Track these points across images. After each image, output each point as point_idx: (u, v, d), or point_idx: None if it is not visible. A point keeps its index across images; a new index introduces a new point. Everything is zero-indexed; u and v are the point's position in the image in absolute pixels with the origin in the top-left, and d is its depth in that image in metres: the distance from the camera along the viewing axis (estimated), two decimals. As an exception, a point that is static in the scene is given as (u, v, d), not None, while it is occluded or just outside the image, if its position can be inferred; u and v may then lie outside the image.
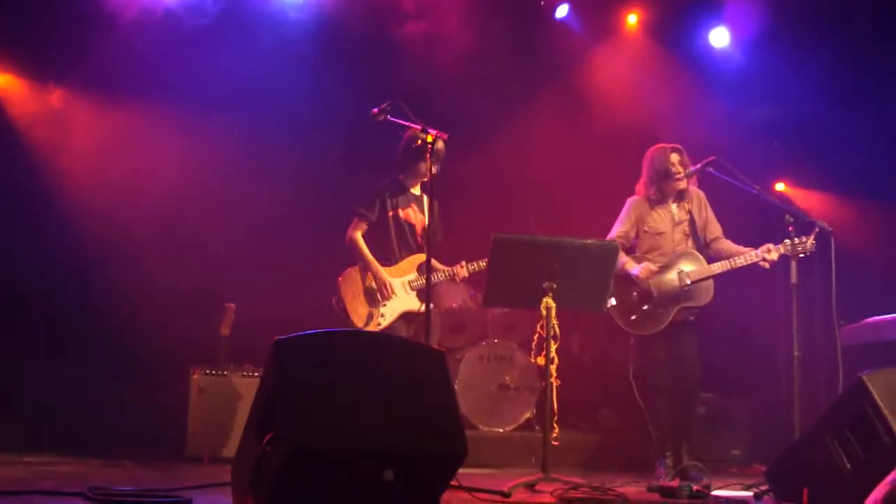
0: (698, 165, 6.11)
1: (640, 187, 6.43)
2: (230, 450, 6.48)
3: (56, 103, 7.41)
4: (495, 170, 7.93)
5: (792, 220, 5.54)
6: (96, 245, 7.02)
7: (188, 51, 7.30)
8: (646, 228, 6.29)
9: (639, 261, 6.22)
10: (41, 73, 7.37)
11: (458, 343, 7.63)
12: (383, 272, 6.17)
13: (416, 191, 6.37)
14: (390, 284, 6.16)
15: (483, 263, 6.11)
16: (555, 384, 5.25)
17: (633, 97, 8.46)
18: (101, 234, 6.98)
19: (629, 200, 6.45)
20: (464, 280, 7.02)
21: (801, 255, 5.71)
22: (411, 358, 3.87)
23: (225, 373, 6.67)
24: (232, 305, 6.75)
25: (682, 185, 6.25)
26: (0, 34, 7.04)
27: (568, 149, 8.05)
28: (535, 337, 5.38)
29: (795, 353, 5.29)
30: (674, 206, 6.33)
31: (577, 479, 5.17)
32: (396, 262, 6.24)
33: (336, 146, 7.63)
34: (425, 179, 6.07)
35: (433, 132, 5.21)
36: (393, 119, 5.42)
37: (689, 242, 6.25)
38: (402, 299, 6.21)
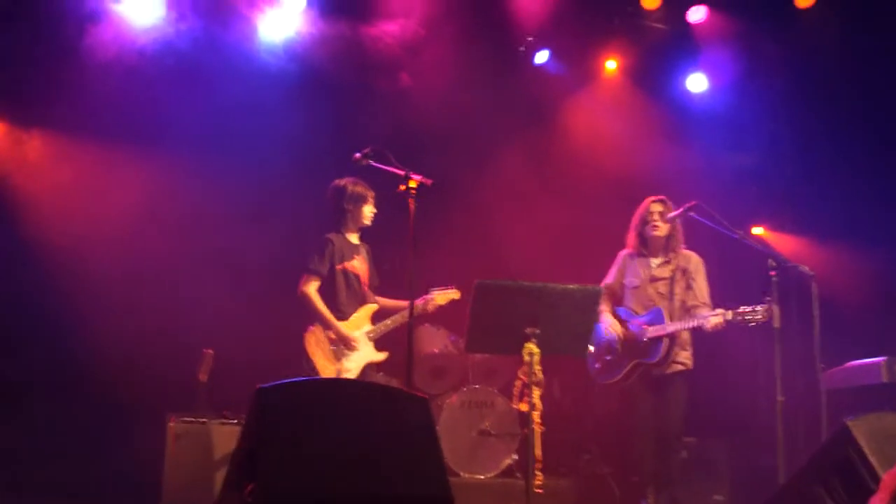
0: (680, 210, 6.18)
1: (627, 239, 6.51)
2: (207, 498, 6.39)
3: (32, 147, 7.36)
4: (475, 218, 7.93)
5: (774, 264, 5.57)
6: (70, 291, 6.95)
7: (163, 92, 7.31)
8: (624, 281, 6.41)
9: (616, 314, 6.34)
10: (14, 115, 7.34)
11: (438, 389, 7.57)
12: (341, 327, 6.16)
13: (355, 240, 6.42)
14: (353, 337, 6.18)
15: (451, 292, 6.35)
16: (538, 430, 5.20)
17: (614, 143, 8.52)
18: (75, 279, 6.92)
19: (620, 253, 6.56)
20: (445, 327, 7.06)
21: (751, 325, 5.73)
22: (395, 405, 3.84)
23: (203, 420, 6.56)
24: (210, 351, 6.66)
25: (657, 232, 6.30)
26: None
27: (548, 197, 8.07)
28: (518, 383, 5.32)
29: (779, 398, 5.27)
30: (654, 261, 6.38)
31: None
32: (348, 316, 6.26)
33: (314, 190, 7.58)
34: (364, 225, 6.33)
35: (416, 178, 5.21)
36: (375, 164, 5.42)
37: (664, 302, 6.26)
38: (363, 352, 6.25)
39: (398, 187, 5.29)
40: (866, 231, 7.72)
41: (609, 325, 6.33)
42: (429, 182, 5.29)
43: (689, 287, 6.29)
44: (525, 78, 8.79)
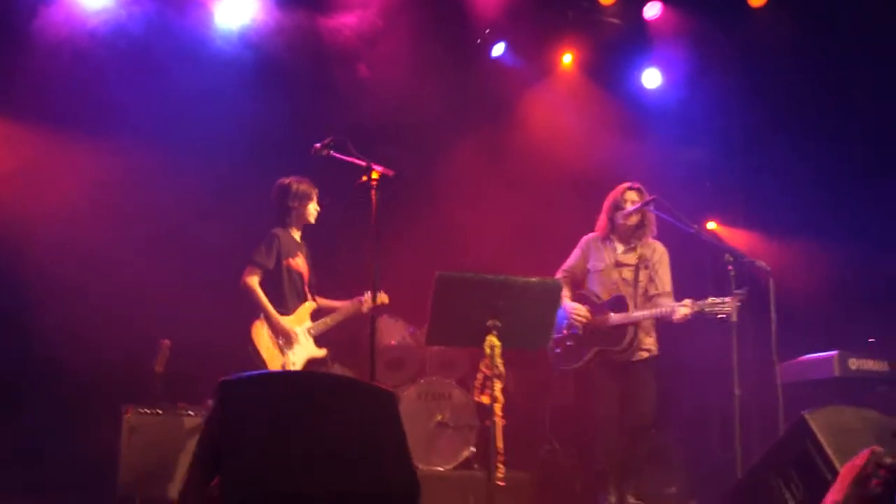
0: (638, 204, 6.22)
1: (597, 223, 6.54)
2: (163, 491, 6.33)
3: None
4: (432, 210, 7.92)
5: (731, 259, 5.62)
6: (20, 280, 6.81)
7: (115, 76, 7.19)
8: (588, 266, 6.41)
9: (579, 298, 6.29)
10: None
11: (395, 380, 7.54)
12: (283, 321, 6.20)
13: (298, 237, 6.48)
14: (294, 332, 6.23)
15: (381, 295, 6.27)
16: (499, 423, 5.21)
17: (569, 137, 8.55)
18: (25, 268, 6.79)
19: (584, 237, 6.56)
20: (403, 318, 7.05)
21: (718, 317, 5.80)
22: (361, 398, 3.81)
23: (159, 412, 6.49)
24: (167, 342, 6.58)
25: (628, 220, 6.34)
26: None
27: (505, 189, 8.09)
28: (479, 375, 5.32)
29: (736, 392, 5.33)
30: (619, 247, 6.41)
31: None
32: (291, 311, 6.31)
33: (270, 179, 7.49)
34: (308, 222, 6.41)
35: (378, 169, 5.17)
36: (337, 155, 5.38)
37: (628, 289, 6.31)
38: (304, 347, 6.32)
39: (360, 178, 5.23)
40: (818, 226, 7.81)
41: (574, 309, 6.31)
42: (391, 173, 5.25)
43: (652, 276, 6.33)
44: (482, 71, 8.78)
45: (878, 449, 2.31)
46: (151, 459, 6.36)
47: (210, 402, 6.74)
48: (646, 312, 6.14)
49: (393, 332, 7.57)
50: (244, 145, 7.52)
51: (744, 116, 8.88)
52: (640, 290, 6.30)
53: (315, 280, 6.55)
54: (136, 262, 7.04)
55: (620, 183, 6.65)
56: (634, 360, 6.21)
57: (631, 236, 6.46)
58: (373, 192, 5.24)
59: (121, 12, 7.36)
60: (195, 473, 3.75)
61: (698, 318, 5.90)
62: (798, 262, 7.70)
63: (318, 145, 5.44)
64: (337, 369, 6.89)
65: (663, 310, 6.05)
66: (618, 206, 6.44)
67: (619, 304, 6.22)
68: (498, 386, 5.23)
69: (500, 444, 5.21)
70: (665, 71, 9.10)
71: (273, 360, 6.11)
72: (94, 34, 7.28)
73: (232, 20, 7.80)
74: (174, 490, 6.38)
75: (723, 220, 8.97)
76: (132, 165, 7.05)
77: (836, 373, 6.34)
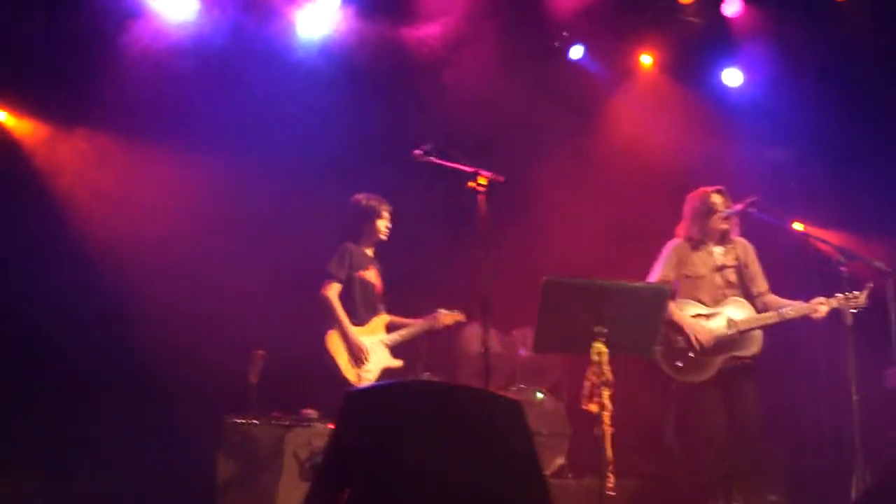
0: (740, 206, 6.08)
1: (680, 229, 6.38)
2: (261, 501, 6.34)
3: (73, 147, 7.28)
4: (521, 218, 7.83)
5: (844, 260, 5.44)
6: (120, 292, 6.89)
7: (201, 89, 7.25)
8: (686, 272, 6.22)
9: (680, 306, 6.14)
10: (54, 115, 7.26)
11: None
12: (356, 335, 6.27)
13: (370, 252, 6.55)
14: (365, 347, 6.28)
15: (456, 314, 6.52)
16: (608, 431, 5.12)
17: (651, 138, 8.42)
18: (120, 281, 6.87)
19: (669, 244, 6.38)
20: (493, 325, 6.95)
21: (853, 311, 5.65)
22: (487, 407, 3.74)
23: (255, 422, 6.51)
24: (260, 352, 6.60)
25: (725, 224, 6.21)
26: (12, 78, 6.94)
27: (592, 194, 7.98)
28: (587, 383, 5.23)
29: (854, 397, 5.17)
30: (716, 250, 6.27)
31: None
32: (364, 322, 6.38)
33: (357, 189, 7.50)
34: (379, 239, 6.50)
35: (486, 174, 5.09)
36: (438, 161, 5.32)
37: (736, 291, 6.17)
38: (379, 356, 6.36)
39: (466, 184, 5.15)
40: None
41: (690, 325, 6.08)
42: (501, 179, 5.16)
43: (752, 274, 6.19)
44: (563, 73, 8.67)
45: None
46: (249, 469, 6.39)
47: (305, 412, 6.76)
48: (775, 314, 5.97)
49: (482, 341, 7.49)
50: (331, 155, 7.52)
51: (827, 114, 8.66)
52: (746, 291, 6.16)
53: (388, 296, 6.59)
54: (227, 272, 7.06)
55: (704, 183, 6.51)
56: (740, 366, 6.04)
57: (721, 238, 6.33)
58: (481, 197, 5.13)
59: (204, 24, 7.41)
60: (321, 487, 3.71)
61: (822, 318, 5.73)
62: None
63: (417, 151, 5.39)
64: (426, 378, 6.86)
65: (799, 310, 5.89)
66: (710, 210, 6.27)
67: (739, 306, 6.07)
68: (606, 393, 5.14)
69: (609, 453, 5.13)
70: (746, 69, 8.94)
71: (348, 369, 6.17)
72: (179, 47, 7.33)
73: (314, 30, 7.81)
74: (272, 501, 6.39)
75: (808, 221, 8.78)
76: (221, 177, 7.12)
77: (949, 377, 6.17)
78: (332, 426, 5.94)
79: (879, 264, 5.40)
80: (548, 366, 7.59)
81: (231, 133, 7.28)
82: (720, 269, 6.24)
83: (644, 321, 5.24)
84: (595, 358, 5.15)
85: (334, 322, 6.27)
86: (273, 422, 6.54)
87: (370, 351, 6.30)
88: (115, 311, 6.93)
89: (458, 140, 6.32)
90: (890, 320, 5.29)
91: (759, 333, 5.99)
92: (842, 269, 5.46)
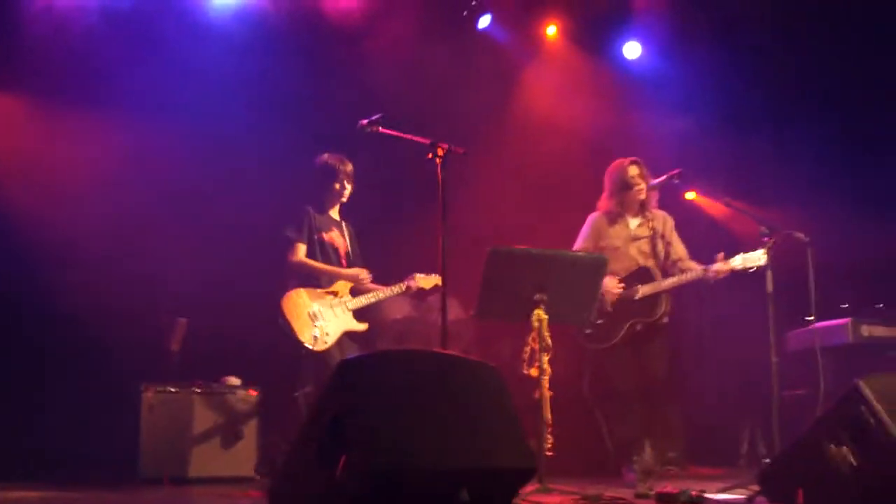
0: (663, 178, 6.27)
1: (601, 202, 6.57)
2: (186, 469, 6.28)
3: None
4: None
5: (767, 231, 5.70)
6: (37, 257, 6.64)
7: (121, 51, 7.03)
8: (602, 244, 6.42)
9: None
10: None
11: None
12: (344, 271, 6.25)
13: (335, 214, 6.45)
14: (355, 275, 6.25)
15: (434, 277, 6.35)
16: (547, 395, 5.28)
17: (561, 107, 8.56)
18: (42, 245, 6.62)
19: (589, 217, 6.58)
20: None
21: (751, 270, 5.94)
22: (468, 373, 3.83)
23: (176, 390, 6.42)
24: (183, 320, 6.50)
25: (642, 195, 6.42)
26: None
27: (506, 161, 8.08)
28: (527, 349, 5.38)
29: (773, 359, 5.46)
30: (632, 222, 6.48)
31: (571, 488, 5.21)
32: (324, 285, 6.24)
33: (283, 156, 7.31)
34: (341, 201, 6.37)
35: (444, 146, 5.10)
36: (388, 132, 5.30)
37: (649, 261, 6.42)
38: (341, 319, 6.22)
39: (426, 156, 5.14)
40: (801, 194, 7.95)
41: (606, 283, 6.20)
42: (460, 151, 5.17)
43: (668, 244, 6.44)
44: (476, 43, 8.70)
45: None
46: (170, 437, 6.33)
47: (227, 379, 6.70)
48: (675, 279, 6.23)
49: (398, 307, 7.55)
50: (248, 121, 7.34)
51: (723, 85, 8.92)
52: (660, 260, 6.41)
53: (360, 260, 6.48)
54: (148, 238, 6.88)
55: (618, 153, 6.69)
56: (659, 325, 6.30)
57: (640, 210, 6.53)
58: (439, 169, 5.13)
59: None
60: (308, 454, 3.72)
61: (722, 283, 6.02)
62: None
63: (364, 121, 5.34)
64: (354, 350, 6.77)
65: (695, 272, 6.16)
66: (626, 183, 6.45)
67: (644, 275, 6.30)
68: (545, 358, 5.31)
69: (548, 415, 5.30)
70: (645, 41, 9.15)
71: (302, 332, 5.99)
72: (84, 5, 7.05)
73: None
74: (193, 468, 6.34)
75: (701, 191, 9.08)
76: (140, 140, 6.91)
77: (850, 339, 6.57)
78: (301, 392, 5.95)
79: (799, 235, 5.67)
80: (461, 331, 7.70)
81: (145, 95, 7.06)
82: (634, 239, 6.46)
83: (582, 290, 5.43)
84: (535, 324, 5.31)
85: (320, 278, 6.18)
86: (195, 389, 6.47)
87: (332, 314, 6.16)
88: (31, 275, 6.66)
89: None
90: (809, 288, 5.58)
91: (663, 298, 6.26)
92: (765, 239, 5.71)
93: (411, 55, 7.91)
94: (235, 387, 6.68)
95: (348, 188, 6.35)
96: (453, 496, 3.48)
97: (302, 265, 6.19)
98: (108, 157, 6.87)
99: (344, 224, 6.48)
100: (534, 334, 5.33)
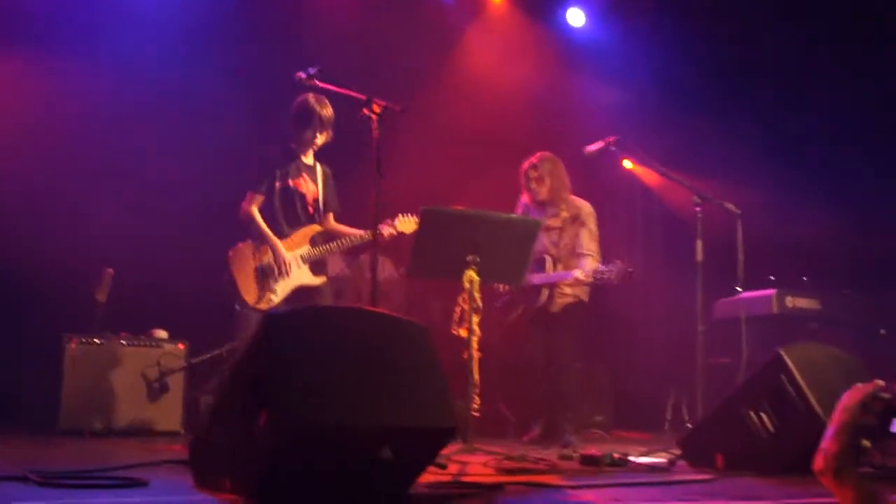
0: (601, 144, 6.28)
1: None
2: (106, 421, 6.20)
3: None
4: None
5: (699, 200, 5.77)
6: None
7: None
8: None
9: None
10: None
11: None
12: (283, 248, 5.88)
13: (309, 160, 6.09)
14: (288, 262, 5.88)
15: (414, 220, 5.95)
16: (476, 356, 5.30)
17: (506, 72, 8.52)
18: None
19: (521, 201, 6.69)
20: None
21: (606, 283, 5.97)
22: (397, 333, 3.81)
23: (101, 341, 6.32)
24: (110, 271, 6.37)
25: (540, 196, 6.48)
26: None
27: (434, 122, 8.01)
28: (458, 309, 5.40)
29: (700, 328, 5.55)
30: (548, 211, 6.51)
31: (497, 449, 5.24)
32: (284, 235, 5.95)
33: (217, 102, 7.12)
34: (316, 147, 6.04)
35: (381, 102, 5.02)
36: (325, 86, 5.21)
37: (555, 251, 6.45)
38: (294, 274, 5.94)
39: (361, 112, 5.03)
40: (737, 168, 8.06)
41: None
42: (397, 108, 5.08)
43: (577, 235, 6.46)
44: (417, 1, 8.61)
45: (881, 383, 2.50)
46: (93, 389, 6.25)
47: (155, 332, 6.61)
48: (551, 276, 6.34)
49: (333, 265, 7.50)
50: (190, 73, 7.17)
51: (665, 54, 8.95)
52: (565, 252, 6.42)
53: (338, 208, 6.19)
54: (78, 188, 6.70)
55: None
56: (554, 311, 6.38)
57: (551, 202, 6.55)
58: (374, 126, 5.03)
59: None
60: (230, 409, 3.68)
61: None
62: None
63: (301, 74, 5.22)
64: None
65: (559, 277, 6.29)
66: (526, 186, 6.57)
67: (540, 265, 6.40)
68: (475, 319, 5.33)
69: (476, 376, 5.32)
70: (589, 9, 9.15)
71: (247, 288, 5.79)
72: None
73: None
74: (117, 420, 6.27)
75: (636, 160, 9.12)
76: (70, 85, 6.71)
77: (775, 310, 6.70)
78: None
79: (730, 206, 5.73)
80: (392, 290, 7.71)
81: (83, 39, 6.85)
82: (547, 230, 6.43)
83: (514, 252, 5.45)
84: (467, 285, 5.33)
85: (258, 239, 5.85)
86: (121, 342, 6.39)
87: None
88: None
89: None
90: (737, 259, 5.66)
91: (546, 289, 6.34)
92: (697, 209, 5.77)
93: (353, 11, 7.79)
94: (163, 339, 6.60)
95: (322, 136, 5.97)
96: (375, 453, 3.48)
97: (249, 218, 5.90)
98: (35, 101, 6.67)
99: (319, 168, 6.10)
100: (464, 295, 5.36)
